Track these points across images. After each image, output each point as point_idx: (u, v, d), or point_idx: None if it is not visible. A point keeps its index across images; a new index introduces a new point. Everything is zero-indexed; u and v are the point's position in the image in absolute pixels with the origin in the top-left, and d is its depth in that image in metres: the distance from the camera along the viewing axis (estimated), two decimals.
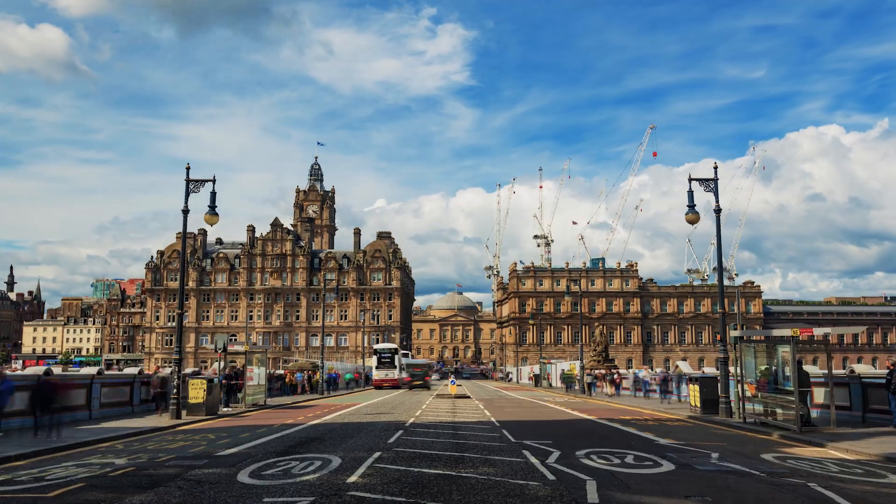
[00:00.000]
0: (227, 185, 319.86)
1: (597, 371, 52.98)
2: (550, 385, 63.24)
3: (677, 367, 67.84)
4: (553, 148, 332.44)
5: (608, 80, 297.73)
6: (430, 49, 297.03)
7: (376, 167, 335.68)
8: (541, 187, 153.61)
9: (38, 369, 21.15)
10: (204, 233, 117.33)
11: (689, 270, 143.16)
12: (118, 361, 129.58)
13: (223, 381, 26.83)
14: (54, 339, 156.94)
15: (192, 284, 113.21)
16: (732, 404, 22.08)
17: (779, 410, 18.63)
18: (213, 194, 23.63)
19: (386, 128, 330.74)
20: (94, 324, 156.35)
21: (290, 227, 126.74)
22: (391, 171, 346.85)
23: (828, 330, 19.22)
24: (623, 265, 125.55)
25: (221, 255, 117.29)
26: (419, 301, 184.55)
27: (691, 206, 24.09)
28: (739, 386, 21.12)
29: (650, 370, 52.71)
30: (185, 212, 23.52)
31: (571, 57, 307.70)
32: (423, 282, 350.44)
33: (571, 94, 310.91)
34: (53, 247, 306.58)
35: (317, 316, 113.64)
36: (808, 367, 19.47)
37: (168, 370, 30.46)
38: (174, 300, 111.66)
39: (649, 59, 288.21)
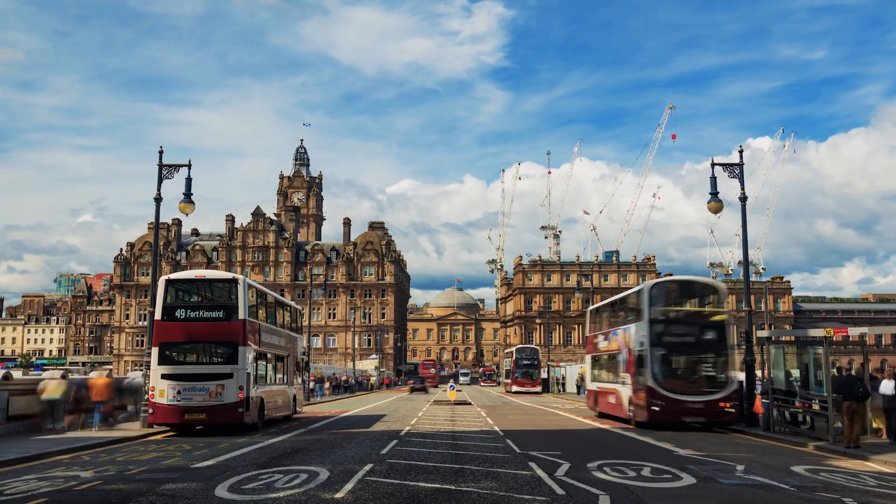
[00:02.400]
0: (229, 174, 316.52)
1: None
2: (560, 390, 63.33)
3: None
4: (589, 133, 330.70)
5: (655, 62, 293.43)
6: (465, 29, 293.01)
7: (397, 154, 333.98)
8: (549, 173, 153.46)
9: None
10: (178, 223, 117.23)
11: (711, 264, 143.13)
12: (84, 364, 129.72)
13: None
14: (14, 339, 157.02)
15: None
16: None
17: (811, 418, 18.64)
18: (189, 181, 23.53)
19: (409, 112, 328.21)
20: (57, 323, 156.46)
21: (274, 217, 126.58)
22: (411, 158, 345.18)
23: (865, 329, 19.17)
24: (640, 258, 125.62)
25: (198, 247, 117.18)
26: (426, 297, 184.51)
27: (714, 193, 24.03)
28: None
29: None
30: (158, 200, 23.44)
31: (620, 37, 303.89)
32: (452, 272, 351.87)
33: (615, 77, 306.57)
34: (25, 237, 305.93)
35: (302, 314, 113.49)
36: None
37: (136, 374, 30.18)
38: (146, 297, 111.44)
39: (701, 39, 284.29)
